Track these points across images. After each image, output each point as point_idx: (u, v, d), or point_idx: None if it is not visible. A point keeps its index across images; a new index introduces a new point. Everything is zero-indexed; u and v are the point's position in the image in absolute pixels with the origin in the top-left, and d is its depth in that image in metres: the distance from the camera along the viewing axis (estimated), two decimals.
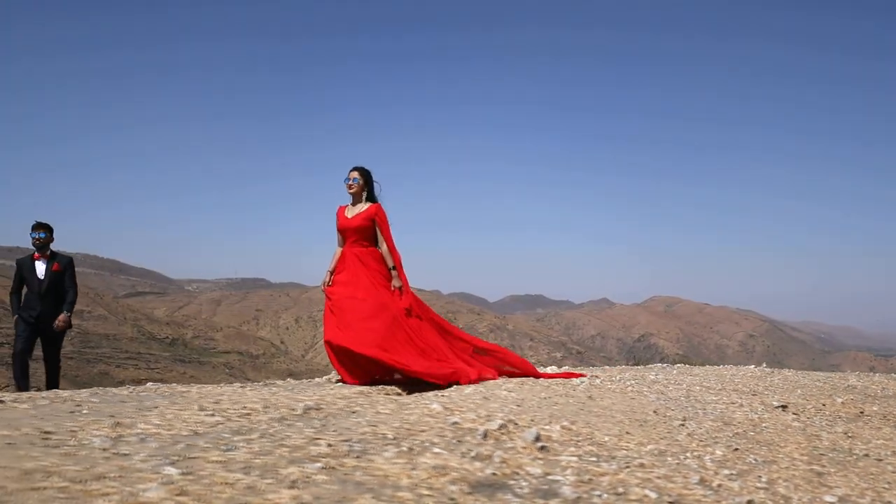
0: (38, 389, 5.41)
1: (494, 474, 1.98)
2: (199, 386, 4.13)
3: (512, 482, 1.94)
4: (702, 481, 2.14)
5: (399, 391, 3.77)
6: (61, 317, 5.50)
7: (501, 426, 2.61)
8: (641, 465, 2.27)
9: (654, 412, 3.54)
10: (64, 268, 5.63)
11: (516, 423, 2.71)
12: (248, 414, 2.67)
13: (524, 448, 2.36)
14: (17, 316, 5.53)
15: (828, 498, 2.14)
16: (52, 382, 5.57)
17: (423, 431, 2.47)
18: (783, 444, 3.03)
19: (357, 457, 2.01)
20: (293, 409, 2.80)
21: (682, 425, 3.22)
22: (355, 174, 4.54)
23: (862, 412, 4.42)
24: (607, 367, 8.32)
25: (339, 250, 4.58)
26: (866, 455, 3.01)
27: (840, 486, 2.34)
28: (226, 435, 2.24)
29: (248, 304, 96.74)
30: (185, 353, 54.89)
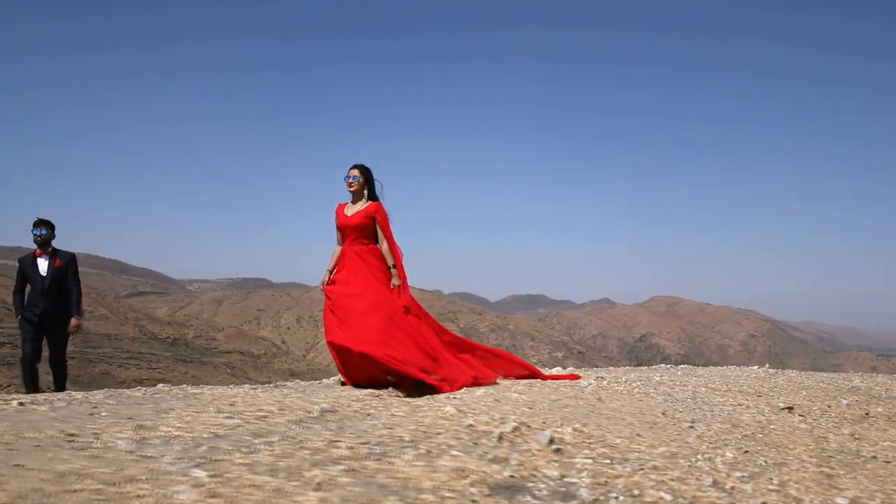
0: (46, 389, 5.45)
1: (512, 476, 2.02)
2: (210, 387, 4.17)
3: (530, 484, 1.98)
4: (715, 483, 2.18)
5: (409, 393, 3.81)
6: (73, 321, 5.49)
7: (515, 428, 2.65)
8: (655, 468, 2.31)
9: (663, 414, 3.58)
10: (67, 264, 5.57)
11: (529, 426, 2.75)
12: (265, 416, 2.71)
13: (539, 450, 2.40)
14: (20, 317, 5.51)
15: (839, 500, 2.18)
16: (59, 382, 5.55)
17: (438, 434, 2.51)
18: (792, 447, 3.07)
19: (377, 459, 2.05)
20: (309, 412, 2.84)
21: (692, 427, 3.25)
22: (356, 172, 4.53)
23: (867, 414, 4.45)
24: (612, 367, 8.35)
25: (338, 249, 4.57)
26: (874, 457, 3.04)
27: (850, 489, 2.37)
28: (246, 437, 2.28)
29: (249, 303, 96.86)
30: (187, 352, 54.95)
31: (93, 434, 2.21)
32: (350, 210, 4.54)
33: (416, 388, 3.86)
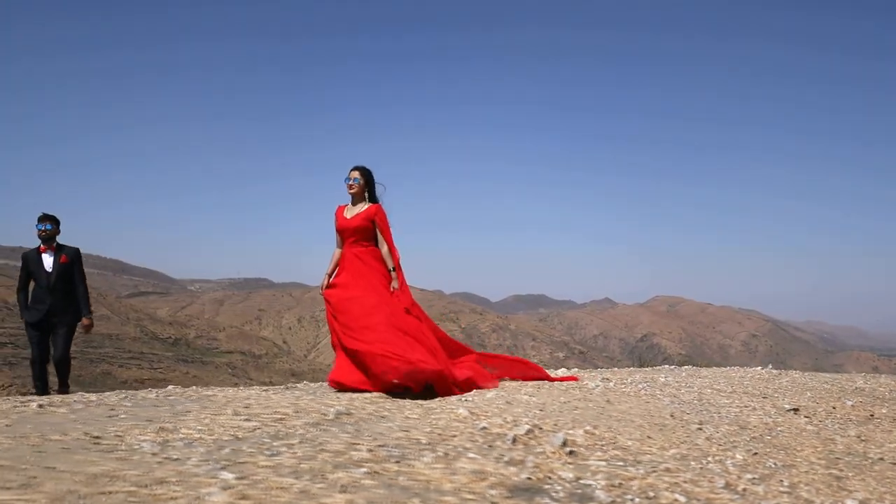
0: (52, 388, 5.48)
1: (529, 479, 2.06)
2: (220, 389, 4.21)
3: (547, 486, 2.02)
4: (727, 485, 2.22)
5: (421, 396, 3.85)
6: (85, 321, 5.50)
7: (528, 431, 2.69)
8: (668, 470, 2.35)
9: (671, 416, 3.62)
10: (72, 259, 5.47)
11: (541, 428, 2.79)
12: (282, 419, 2.75)
13: (553, 453, 2.44)
14: (24, 320, 5.42)
15: (849, 502, 2.22)
16: (62, 379, 5.53)
17: (454, 437, 2.55)
18: (800, 448, 3.11)
19: (397, 462, 2.09)
20: (324, 415, 2.89)
21: (700, 429, 3.29)
22: (356, 174, 4.49)
23: (872, 415, 4.49)
24: (615, 368, 8.39)
25: (337, 251, 4.55)
26: (881, 459, 3.08)
27: (859, 490, 2.41)
28: (266, 440, 2.32)
29: (250, 304, 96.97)
30: (188, 352, 55.05)
31: (116, 436, 2.25)
32: (350, 212, 4.50)
33: (424, 389, 3.90)
